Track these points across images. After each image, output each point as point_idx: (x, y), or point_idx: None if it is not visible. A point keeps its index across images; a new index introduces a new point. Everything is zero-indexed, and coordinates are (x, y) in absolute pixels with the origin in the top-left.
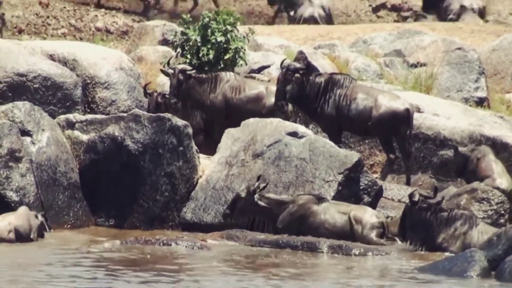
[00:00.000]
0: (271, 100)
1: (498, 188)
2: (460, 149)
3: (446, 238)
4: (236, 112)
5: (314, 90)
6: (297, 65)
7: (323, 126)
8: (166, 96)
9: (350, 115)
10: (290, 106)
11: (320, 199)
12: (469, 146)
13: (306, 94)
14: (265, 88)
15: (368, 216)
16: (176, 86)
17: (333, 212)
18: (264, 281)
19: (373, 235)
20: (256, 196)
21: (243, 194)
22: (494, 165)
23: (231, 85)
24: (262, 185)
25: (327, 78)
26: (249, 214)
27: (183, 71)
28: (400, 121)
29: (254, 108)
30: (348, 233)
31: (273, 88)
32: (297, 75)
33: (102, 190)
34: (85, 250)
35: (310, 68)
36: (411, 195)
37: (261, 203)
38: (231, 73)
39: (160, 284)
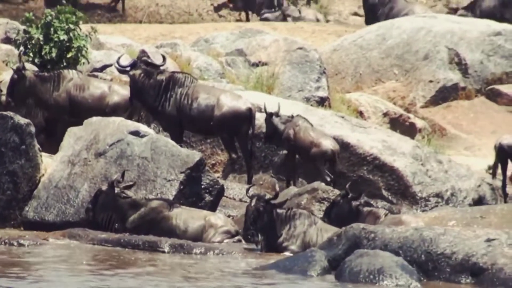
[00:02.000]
0: (114, 98)
1: (329, 151)
2: (274, 118)
3: (287, 238)
4: (80, 110)
5: (155, 88)
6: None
7: (164, 125)
8: None
9: (192, 114)
10: None
11: (172, 204)
12: (283, 117)
13: (147, 92)
14: (108, 87)
15: (222, 222)
16: (10, 85)
17: (185, 218)
18: (104, 278)
19: (224, 240)
20: (116, 189)
21: (103, 188)
22: (312, 132)
23: (74, 83)
24: (130, 183)
25: (168, 76)
26: (109, 210)
27: (18, 70)
28: (242, 120)
29: (97, 106)
30: (200, 239)
31: (116, 87)
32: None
33: None
34: None
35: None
36: (261, 196)
37: (119, 199)
38: (75, 71)
39: None
